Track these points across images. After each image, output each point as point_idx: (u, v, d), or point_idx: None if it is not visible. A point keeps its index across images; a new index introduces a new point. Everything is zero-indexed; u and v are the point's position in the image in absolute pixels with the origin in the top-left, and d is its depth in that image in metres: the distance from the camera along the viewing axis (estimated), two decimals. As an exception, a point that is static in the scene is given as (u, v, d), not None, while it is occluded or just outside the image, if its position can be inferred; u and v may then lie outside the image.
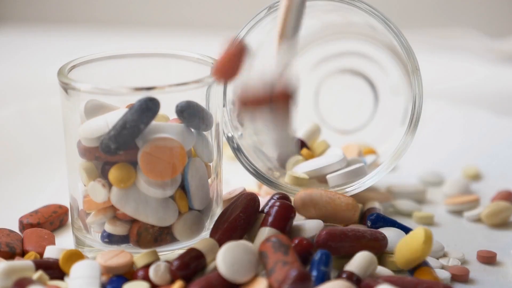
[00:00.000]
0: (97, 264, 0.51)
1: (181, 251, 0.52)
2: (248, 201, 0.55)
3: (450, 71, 1.02)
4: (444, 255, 0.57)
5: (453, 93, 0.92)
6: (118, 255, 0.52)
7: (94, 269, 0.51)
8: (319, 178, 0.60)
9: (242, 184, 0.62)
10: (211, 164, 0.55)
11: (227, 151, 0.68)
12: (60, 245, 0.56)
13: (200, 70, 0.56)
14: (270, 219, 0.53)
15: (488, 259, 0.56)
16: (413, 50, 0.57)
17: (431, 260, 0.55)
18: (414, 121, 0.58)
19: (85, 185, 0.54)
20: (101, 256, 0.52)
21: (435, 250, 0.56)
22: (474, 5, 1.24)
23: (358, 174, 0.59)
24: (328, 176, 0.60)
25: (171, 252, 0.54)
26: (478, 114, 0.80)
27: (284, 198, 0.57)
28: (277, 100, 0.47)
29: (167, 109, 0.53)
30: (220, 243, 0.52)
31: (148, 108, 0.51)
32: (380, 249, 0.53)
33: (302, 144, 0.64)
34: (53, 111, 0.73)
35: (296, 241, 0.52)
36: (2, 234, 0.56)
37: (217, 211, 0.56)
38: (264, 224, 0.53)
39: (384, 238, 0.54)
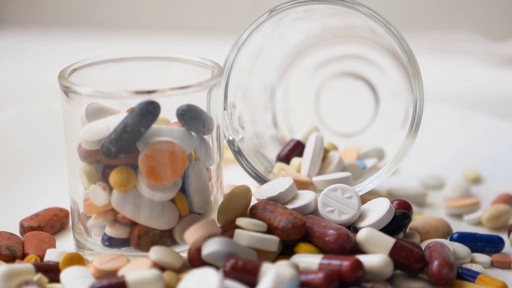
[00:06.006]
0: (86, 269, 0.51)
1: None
2: None
3: (451, 74, 1.02)
4: (472, 260, 0.56)
5: (453, 96, 0.92)
6: (114, 259, 0.52)
7: (85, 271, 0.51)
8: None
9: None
10: (211, 167, 0.55)
11: (228, 154, 0.68)
12: (60, 248, 0.56)
13: (200, 74, 0.56)
14: None
15: (503, 264, 0.56)
16: (414, 53, 0.57)
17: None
18: (415, 125, 0.58)
19: (85, 188, 0.54)
20: (98, 260, 0.52)
21: (462, 257, 0.56)
22: (475, 8, 1.24)
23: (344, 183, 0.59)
24: (314, 179, 0.60)
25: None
26: (478, 117, 0.80)
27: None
28: None
29: (168, 113, 0.53)
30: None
31: (148, 112, 0.51)
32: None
33: (301, 146, 0.64)
34: (54, 114, 0.73)
35: None
36: (3, 237, 0.56)
37: (218, 214, 0.56)
38: None
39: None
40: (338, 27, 0.68)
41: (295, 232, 0.52)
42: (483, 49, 1.08)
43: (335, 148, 0.65)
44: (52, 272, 0.52)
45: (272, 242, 0.51)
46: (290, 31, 0.66)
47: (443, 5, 1.25)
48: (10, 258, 0.54)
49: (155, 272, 0.49)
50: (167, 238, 0.53)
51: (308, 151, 0.62)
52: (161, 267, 0.51)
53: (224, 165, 0.58)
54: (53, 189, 0.68)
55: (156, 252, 0.51)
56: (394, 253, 0.51)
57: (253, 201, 0.56)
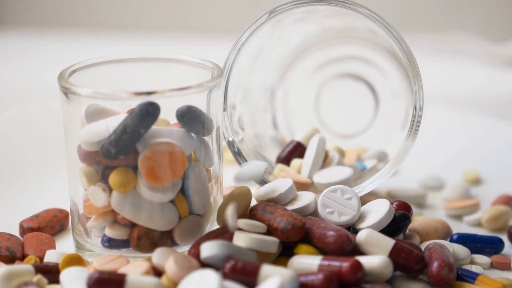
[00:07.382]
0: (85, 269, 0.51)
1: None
2: None
3: (451, 75, 1.02)
4: (472, 261, 0.57)
5: (453, 97, 0.92)
6: (114, 260, 0.52)
7: (84, 272, 0.51)
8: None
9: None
10: (211, 168, 0.55)
11: (228, 155, 0.68)
12: (60, 250, 0.56)
13: (200, 75, 0.56)
14: None
15: (503, 265, 0.56)
16: (414, 54, 0.57)
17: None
18: (414, 126, 0.58)
19: (85, 190, 0.53)
20: (97, 261, 0.52)
21: (461, 258, 0.56)
22: (475, 9, 1.24)
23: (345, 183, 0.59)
24: (316, 181, 0.60)
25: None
26: (478, 118, 0.80)
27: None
28: None
29: (168, 114, 0.53)
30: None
31: (148, 113, 0.51)
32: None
33: (301, 147, 0.64)
34: (54, 115, 0.73)
35: None
36: (3, 238, 0.56)
37: (218, 215, 0.56)
38: None
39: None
40: (338, 28, 0.68)
41: (295, 233, 0.52)
42: (483, 50, 1.08)
43: (341, 151, 0.65)
44: (51, 273, 0.52)
45: (272, 243, 0.51)
46: (290, 32, 0.66)
47: (443, 6, 1.25)
48: (10, 259, 0.54)
49: (154, 280, 0.49)
50: (166, 239, 0.53)
51: (310, 153, 0.62)
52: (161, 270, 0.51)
53: (224, 166, 0.58)
54: (53, 190, 0.67)
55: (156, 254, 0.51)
56: (393, 254, 0.51)
57: (253, 202, 0.56)
